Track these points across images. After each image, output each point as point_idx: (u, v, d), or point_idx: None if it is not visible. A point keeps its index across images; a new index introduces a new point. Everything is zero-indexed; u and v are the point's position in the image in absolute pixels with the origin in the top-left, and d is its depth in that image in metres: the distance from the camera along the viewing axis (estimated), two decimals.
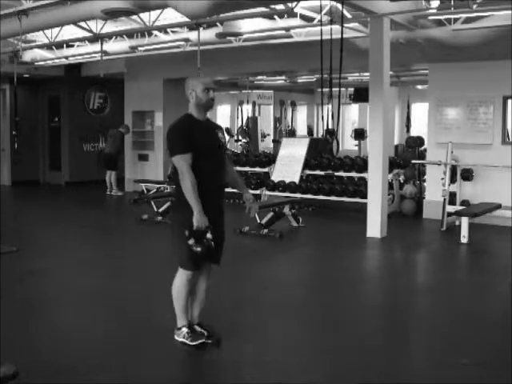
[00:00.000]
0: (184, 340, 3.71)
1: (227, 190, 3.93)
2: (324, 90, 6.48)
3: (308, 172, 10.24)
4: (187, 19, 7.39)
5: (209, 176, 3.57)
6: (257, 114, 17.77)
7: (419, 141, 10.66)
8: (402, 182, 9.83)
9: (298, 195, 9.81)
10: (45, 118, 14.30)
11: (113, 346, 3.89)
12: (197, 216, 3.43)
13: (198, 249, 3.46)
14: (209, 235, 3.46)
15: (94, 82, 13.47)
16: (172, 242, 3.72)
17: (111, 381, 3.30)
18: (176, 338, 3.75)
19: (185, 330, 3.73)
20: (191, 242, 3.46)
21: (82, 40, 9.88)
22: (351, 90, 15.07)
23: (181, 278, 3.66)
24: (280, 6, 7.15)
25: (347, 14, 7.35)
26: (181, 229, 3.52)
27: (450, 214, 8.13)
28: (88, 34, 8.90)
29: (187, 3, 6.25)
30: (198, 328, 3.79)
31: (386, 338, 4.13)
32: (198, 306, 3.83)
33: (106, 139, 12.80)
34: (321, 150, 11.18)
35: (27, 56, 11.19)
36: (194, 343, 3.68)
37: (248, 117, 16.48)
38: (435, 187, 8.81)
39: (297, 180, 10.05)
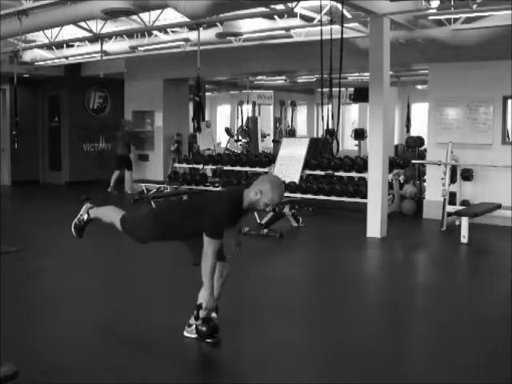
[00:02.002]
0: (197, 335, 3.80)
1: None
2: (324, 89, 6.48)
3: (308, 172, 10.25)
4: (187, 19, 7.39)
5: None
6: (257, 114, 17.77)
7: (419, 141, 10.66)
8: (402, 182, 9.83)
9: (298, 195, 9.80)
10: (45, 117, 14.30)
11: (113, 346, 3.89)
12: (208, 298, 3.53)
13: (204, 329, 3.62)
14: (214, 315, 3.60)
15: (93, 82, 13.46)
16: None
17: (111, 381, 3.30)
18: (186, 334, 3.86)
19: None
20: (198, 322, 3.62)
21: (82, 40, 9.88)
22: (351, 89, 15.07)
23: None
24: (280, 6, 7.15)
25: (347, 14, 7.35)
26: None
27: (449, 214, 8.12)
28: (88, 34, 8.90)
29: (187, 3, 6.25)
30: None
31: (386, 338, 4.12)
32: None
33: (115, 141, 12.71)
34: (321, 149, 11.19)
35: (27, 56, 11.19)
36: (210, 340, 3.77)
37: (248, 117, 16.48)
38: (435, 187, 8.81)
39: (297, 180, 10.05)
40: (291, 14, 7.64)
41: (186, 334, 3.87)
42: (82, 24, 8.36)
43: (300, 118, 19.86)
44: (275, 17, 8.17)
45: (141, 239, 3.91)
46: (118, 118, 13.25)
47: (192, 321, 3.85)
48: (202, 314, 3.58)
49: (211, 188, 11.11)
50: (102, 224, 4.16)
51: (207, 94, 16.83)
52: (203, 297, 3.57)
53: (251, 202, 3.55)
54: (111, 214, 4.02)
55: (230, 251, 3.92)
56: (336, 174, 9.89)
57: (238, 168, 11.32)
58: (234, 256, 3.87)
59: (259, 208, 3.61)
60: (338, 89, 7.47)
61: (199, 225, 3.53)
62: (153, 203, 8.94)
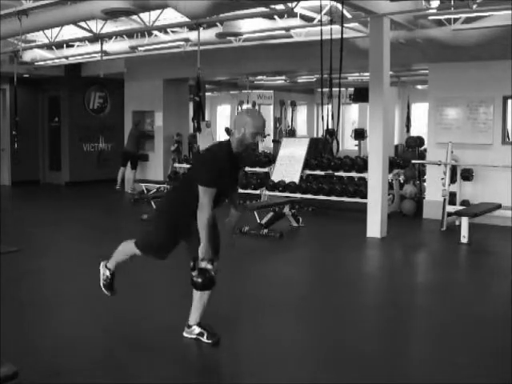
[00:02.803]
0: (199, 337, 3.81)
1: None
2: (324, 89, 6.48)
3: (308, 172, 10.25)
4: (187, 19, 7.39)
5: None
6: None
7: (419, 141, 10.66)
8: (402, 182, 9.83)
9: (298, 195, 9.81)
10: (45, 117, 14.29)
11: (113, 345, 3.89)
12: (204, 247, 3.49)
13: (199, 280, 3.55)
14: (209, 266, 3.53)
15: (94, 82, 13.46)
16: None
17: (111, 381, 3.30)
18: (186, 334, 3.86)
19: (197, 328, 3.84)
20: (194, 273, 3.55)
21: (82, 40, 9.88)
22: (351, 89, 15.07)
23: (131, 247, 3.85)
24: (280, 6, 7.14)
25: (347, 14, 7.35)
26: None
27: (449, 214, 8.13)
28: (88, 34, 8.89)
29: (187, 3, 6.25)
30: (198, 328, 3.82)
31: (386, 338, 4.13)
32: (200, 309, 3.87)
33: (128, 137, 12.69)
34: (321, 150, 11.18)
35: (27, 56, 11.19)
36: (210, 341, 3.77)
37: None
38: (435, 187, 8.81)
39: (297, 180, 10.05)
40: (291, 13, 7.64)
41: (185, 334, 3.87)
42: (82, 24, 8.36)
43: (300, 118, 19.85)
44: (275, 17, 8.17)
45: (158, 249, 3.81)
46: (118, 118, 13.26)
47: (191, 322, 3.85)
48: (199, 264, 3.52)
49: None
50: (103, 224, 4.14)
51: (207, 94, 16.83)
52: (200, 247, 3.50)
53: (239, 140, 3.56)
54: (125, 249, 3.97)
55: (229, 228, 3.90)
56: (336, 174, 9.89)
57: None
58: (234, 256, 3.86)
59: (248, 142, 3.57)
60: (338, 89, 7.47)
61: (194, 187, 3.49)
62: (153, 203, 8.95)
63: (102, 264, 4.09)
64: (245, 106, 16.68)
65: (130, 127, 12.58)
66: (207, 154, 3.66)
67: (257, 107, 17.87)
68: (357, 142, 14.26)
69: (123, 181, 12.45)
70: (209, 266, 3.52)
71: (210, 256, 3.53)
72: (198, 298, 3.82)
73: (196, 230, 3.52)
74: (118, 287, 4.10)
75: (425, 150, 10.06)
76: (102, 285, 4.06)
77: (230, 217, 3.90)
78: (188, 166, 11.86)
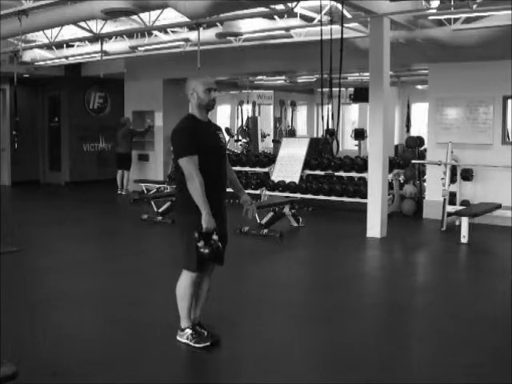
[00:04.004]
0: (188, 341, 3.73)
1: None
2: (324, 89, 6.48)
3: (308, 172, 10.25)
4: (187, 19, 7.39)
5: (212, 176, 3.57)
6: (257, 114, 17.77)
7: (419, 141, 10.65)
8: (402, 181, 9.83)
9: (298, 195, 9.81)
10: (45, 117, 14.30)
11: (113, 345, 3.89)
12: (205, 217, 3.43)
13: (206, 251, 3.47)
14: (215, 236, 3.48)
15: (94, 82, 13.46)
16: (178, 244, 3.71)
17: (110, 381, 3.30)
18: (179, 338, 3.79)
19: (189, 331, 3.76)
20: (200, 244, 3.47)
21: (82, 40, 9.88)
22: (351, 89, 15.07)
23: (186, 279, 3.67)
24: (280, 6, 7.14)
25: (347, 14, 7.35)
26: (187, 231, 3.53)
27: (449, 214, 8.12)
28: (88, 34, 8.89)
29: (187, 3, 6.25)
30: (198, 328, 3.81)
31: (386, 338, 4.13)
32: (199, 306, 3.85)
33: (115, 139, 12.64)
34: (321, 150, 11.18)
35: (27, 56, 11.19)
36: (199, 345, 3.70)
37: (248, 117, 16.48)
38: (435, 187, 8.81)
39: (297, 180, 10.05)
40: (291, 14, 7.64)
41: (178, 338, 3.81)
42: (82, 24, 8.35)
43: (300, 118, 19.85)
44: (275, 17, 8.17)
45: (210, 255, 3.55)
46: (118, 117, 13.24)
47: (184, 325, 3.78)
48: (203, 235, 3.45)
49: None
50: (103, 224, 4.12)
51: None
52: (202, 217, 3.43)
53: (196, 105, 3.63)
54: (183, 291, 3.69)
55: (250, 205, 3.85)
56: (336, 174, 9.89)
57: (237, 168, 11.31)
58: (234, 256, 3.85)
59: (205, 102, 3.61)
60: (338, 89, 7.47)
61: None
62: (153, 203, 8.94)
63: (178, 335, 3.78)
64: (245, 106, 16.69)
65: (124, 130, 12.41)
66: (175, 130, 3.63)
67: (257, 107, 17.90)
68: (357, 142, 14.27)
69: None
70: (214, 237, 3.46)
71: (214, 225, 3.46)
72: (205, 291, 3.82)
73: (222, 209, 3.53)
74: (116, 288, 4.09)
75: (425, 149, 10.06)
76: (197, 347, 3.68)
77: (244, 204, 3.84)
78: None
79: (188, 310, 3.74)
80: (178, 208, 3.82)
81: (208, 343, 3.71)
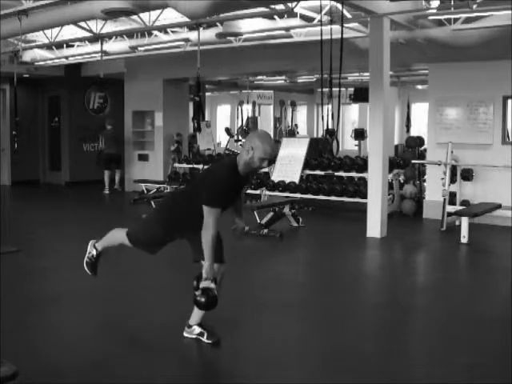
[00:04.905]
0: (199, 337, 3.81)
1: None
2: (324, 89, 6.48)
3: (308, 172, 10.25)
4: (187, 19, 7.39)
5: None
6: (257, 114, 17.77)
7: (419, 141, 10.66)
8: (402, 182, 9.83)
9: (298, 195, 9.81)
10: (45, 117, 14.30)
11: (113, 345, 3.89)
12: (207, 268, 3.49)
13: (203, 299, 3.56)
14: (212, 285, 3.54)
15: (93, 82, 13.46)
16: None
17: (111, 381, 3.30)
18: (186, 334, 3.86)
19: (197, 328, 3.83)
20: (198, 292, 3.55)
21: (82, 40, 9.88)
22: (351, 89, 15.07)
23: (121, 235, 3.89)
24: (280, 6, 7.14)
25: (347, 14, 7.36)
26: (150, 221, 3.96)
27: (450, 214, 8.12)
28: (88, 34, 8.90)
29: (187, 3, 6.25)
30: (198, 328, 3.82)
31: (386, 338, 4.13)
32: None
33: (105, 140, 12.80)
34: (321, 150, 11.19)
35: (27, 56, 11.19)
36: (210, 341, 3.77)
37: (248, 117, 16.48)
38: (435, 187, 8.81)
39: (297, 180, 10.05)
40: (291, 14, 7.64)
41: (185, 334, 3.87)
42: (82, 24, 8.36)
43: (300, 118, 19.84)
44: (275, 17, 8.17)
45: (149, 245, 3.85)
46: (118, 118, 13.25)
47: (191, 321, 3.85)
48: (201, 284, 3.52)
49: None
50: (103, 224, 4.13)
51: (207, 94, 16.83)
52: (204, 267, 3.50)
53: (246, 162, 3.54)
54: (116, 236, 3.97)
55: (240, 229, 3.94)
56: (336, 174, 9.89)
57: None
58: (234, 256, 3.85)
59: (255, 166, 3.58)
60: (338, 89, 7.47)
61: (199, 202, 3.48)
62: (153, 203, 8.95)
63: (91, 242, 4.08)
64: (245, 106, 16.69)
65: (110, 131, 12.63)
66: (215, 173, 3.58)
67: (257, 107, 17.91)
68: (357, 142, 14.26)
69: (112, 182, 12.60)
70: (212, 285, 3.54)
71: (214, 275, 3.54)
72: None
73: (198, 232, 3.52)
74: (117, 288, 4.10)
75: (425, 149, 10.06)
76: (85, 262, 4.07)
77: (236, 227, 3.94)
78: (188, 166, 11.89)
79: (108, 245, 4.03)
80: (160, 209, 4.00)
81: (217, 338, 3.79)
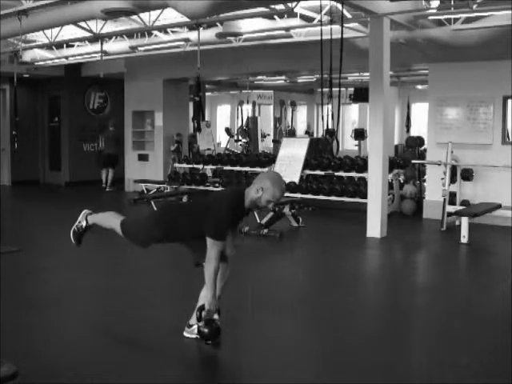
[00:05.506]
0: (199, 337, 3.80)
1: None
2: (324, 89, 6.48)
3: (308, 172, 10.25)
4: (187, 19, 7.39)
5: None
6: (257, 114, 17.77)
7: (419, 141, 10.66)
8: (402, 182, 9.83)
9: (298, 195, 9.80)
10: (45, 117, 14.29)
11: (113, 345, 3.89)
12: (210, 300, 3.52)
13: (206, 330, 3.59)
14: (216, 316, 3.58)
15: (94, 82, 13.46)
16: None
17: (111, 381, 3.30)
18: (186, 334, 3.86)
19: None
20: (201, 323, 3.59)
21: (82, 40, 9.88)
22: (351, 89, 15.08)
23: (114, 220, 3.94)
24: (280, 6, 7.14)
25: (347, 14, 7.35)
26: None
27: (449, 214, 8.12)
28: (88, 34, 8.89)
29: (187, 3, 6.25)
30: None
31: (386, 338, 4.12)
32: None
33: (105, 140, 12.92)
34: (321, 149, 11.19)
35: (27, 56, 11.18)
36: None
37: (248, 117, 16.48)
38: (435, 187, 8.81)
39: (297, 180, 10.05)
40: (291, 14, 7.64)
41: (185, 334, 3.87)
42: (82, 24, 8.35)
43: (300, 118, 19.85)
44: (275, 17, 8.17)
45: (142, 242, 3.89)
46: (118, 118, 13.25)
47: (192, 321, 3.85)
48: (204, 315, 3.57)
49: (211, 188, 11.13)
50: (104, 228, 4.12)
51: (207, 94, 16.83)
52: (206, 298, 3.55)
53: (252, 200, 3.52)
54: (111, 219, 3.98)
55: (226, 253, 3.88)
56: (336, 174, 9.89)
57: (237, 168, 11.33)
58: (233, 256, 3.85)
59: (261, 205, 3.56)
60: (337, 89, 7.47)
61: (202, 226, 3.49)
62: (153, 203, 8.94)
63: (84, 212, 4.17)
64: (245, 106, 16.69)
65: (109, 131, 12.95)
66: (223, 205, 3.52)
67: (257, 107, 17.91)
68: (357, 142, 14.28)
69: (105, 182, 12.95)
70: (215, 317, 3.57)
71: (217, 307, 3.57)
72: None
73: (195, 236, 3.56)
74: (117, 288, 4.09)
75: (425, 150, 10.06)
76: (72, 230, 4.18)
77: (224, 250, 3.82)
78: (188, 166, 11.89)
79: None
80: (160, 215, 3.93)
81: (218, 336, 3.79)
